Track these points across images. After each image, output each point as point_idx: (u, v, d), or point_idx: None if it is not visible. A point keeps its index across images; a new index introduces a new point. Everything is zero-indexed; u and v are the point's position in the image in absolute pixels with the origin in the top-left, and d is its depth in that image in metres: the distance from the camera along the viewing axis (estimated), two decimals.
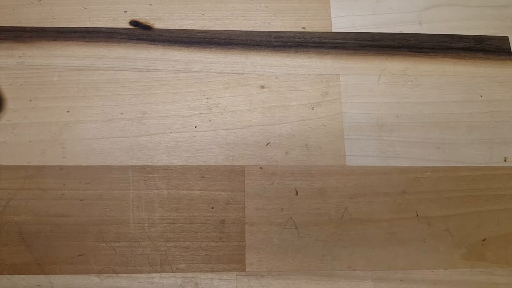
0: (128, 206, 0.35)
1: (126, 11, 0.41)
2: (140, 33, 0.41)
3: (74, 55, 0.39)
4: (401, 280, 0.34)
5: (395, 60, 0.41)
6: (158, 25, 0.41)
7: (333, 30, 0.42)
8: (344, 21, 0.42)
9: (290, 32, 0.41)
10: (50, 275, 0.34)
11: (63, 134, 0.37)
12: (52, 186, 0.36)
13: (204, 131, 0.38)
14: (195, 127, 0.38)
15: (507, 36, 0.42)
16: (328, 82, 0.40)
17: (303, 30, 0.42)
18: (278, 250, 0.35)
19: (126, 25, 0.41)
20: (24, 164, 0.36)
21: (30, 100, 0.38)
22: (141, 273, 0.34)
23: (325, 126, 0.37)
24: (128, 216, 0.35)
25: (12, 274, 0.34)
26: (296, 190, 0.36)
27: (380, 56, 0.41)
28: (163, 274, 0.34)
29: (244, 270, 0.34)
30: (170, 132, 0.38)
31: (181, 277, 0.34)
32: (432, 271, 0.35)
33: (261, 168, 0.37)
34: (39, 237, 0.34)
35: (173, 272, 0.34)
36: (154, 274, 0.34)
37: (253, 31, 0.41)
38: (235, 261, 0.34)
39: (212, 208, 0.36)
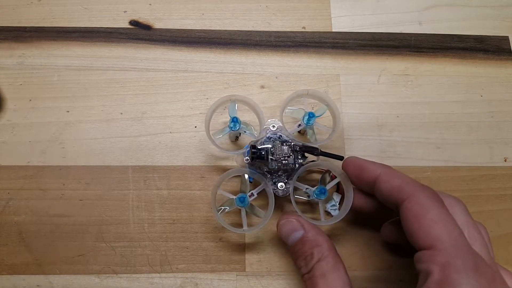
0: (128, 206, 0.35)
1: (126, 11, 0.41)
2: (140, 33, 0.41)
3: (74, 55, 0.39)
4: (401, 280, 0.34)
5: (395, 60, 0.41)
6: (158, 25, 0.41)
7: (333, 30, 0.42)
8: (344, 21, 0.42)
9: (290, 32, 0.41)
10: (50, 275, 0.34)
11: (63, 134, 0.37)
12: (52, 186, 0.36)
13: (204, 131, 0.38)
14: (195, 127, 0.38)
15: (507, 36, 0.42)
16: (328, 82, 0.40)
17: (303, 30, 0.41)
18: (278, 250, 0.35)
19: (126, 25, 0.41)
20: (24, 164, 0.36)
21: (30, 100, 0.38)
22: (141, 273, 0.34)
23: (325, 126, 0.37)
24: (128, 216, 0.35)
25: (12, 274, 0.34)
26: None
27: (380, 56, 0.41)
28: (163, 274, 0.34)
29: (244, 270, 0.34)
30: (170, 132, 0.38)
31: (181, 277, 0.34)
32: None
33: None
34: (39, 237, 0.34)
35: (173, 272, 0.34)
36: (154, 274, 0.34)
37: (253, 31, 0.41)
38: (235, 261, 0.34)
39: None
